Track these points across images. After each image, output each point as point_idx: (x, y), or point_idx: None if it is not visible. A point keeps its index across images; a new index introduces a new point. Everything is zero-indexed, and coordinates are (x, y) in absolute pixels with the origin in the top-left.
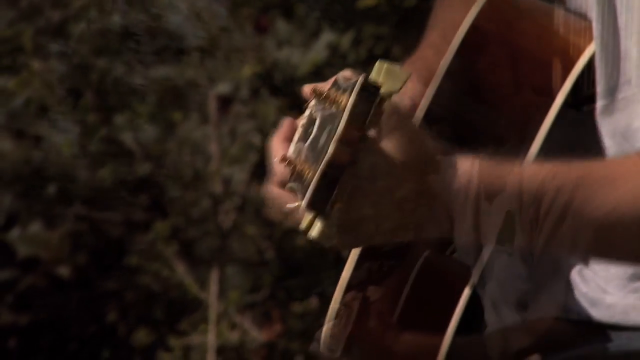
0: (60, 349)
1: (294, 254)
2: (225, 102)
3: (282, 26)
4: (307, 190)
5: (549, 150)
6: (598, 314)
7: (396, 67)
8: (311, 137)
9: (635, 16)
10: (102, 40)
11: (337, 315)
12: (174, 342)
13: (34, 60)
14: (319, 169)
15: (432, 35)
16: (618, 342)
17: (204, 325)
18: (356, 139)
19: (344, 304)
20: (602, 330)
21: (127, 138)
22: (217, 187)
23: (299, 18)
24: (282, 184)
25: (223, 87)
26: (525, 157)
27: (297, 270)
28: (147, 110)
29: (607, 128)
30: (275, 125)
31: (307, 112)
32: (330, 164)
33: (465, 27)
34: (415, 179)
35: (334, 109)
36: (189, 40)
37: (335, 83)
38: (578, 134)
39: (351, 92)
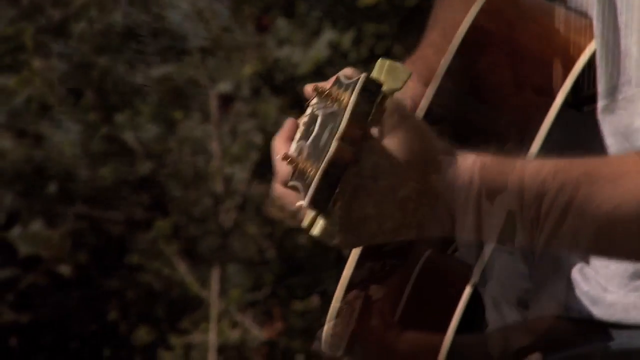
0: (61, 348)
1: (295, 252)
2: (226, 101)
3: (283, 25)
4: (309, 188)
5: (549, 150)
6: (599, 312)
7: (398, 65)
8: (313, 135)
9: (636, 15)
10: (103, 39)
11: (340, 314)
12: (174, 340)
13: (35, 59)
14: (321, 167)
15: (432, 35)
16: (619, 340)
17: (205, 324)
18: (358, 137)
19: (346, 302)
20: (603, 328)
21: (128, 137)
22: (218, 186)
23: (300, 17)
24: (285, 183)
25: (224, 86)
26: (526, 156)
27: (298, 269)
28: (148, 109)
29: (608, 128)
30: (276, 124)
31: (308, 111)
32: (332, 162)
33: (465, 27)
34: (417, 178)
35: (335, 107)
36: (190, 39)
37: (337, 81)
38: (579, 134)
39: (353, 90)
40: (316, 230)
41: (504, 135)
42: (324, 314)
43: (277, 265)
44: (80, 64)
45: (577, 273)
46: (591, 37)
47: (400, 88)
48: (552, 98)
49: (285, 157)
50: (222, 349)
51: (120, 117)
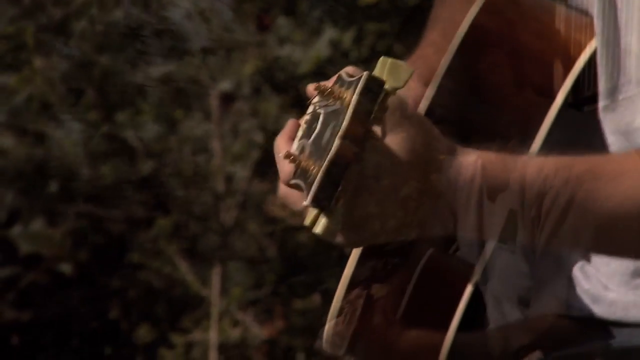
0: (63, 346)
1: (296, 251)
2: (227, 100)
3: (283, 23)
4: (311, 187)
5: (550, 149)
6: (600, 310)
7: (400, 63)
8: (315, 133)
9: (636, 13)
10: (104, 38)
11: (342, 312)
12: (175, 339)
13: (36, 58)
14: (324, 165)
15: (432, 34)
16: (620, 338)
17: (205, 322)
18: (360, 135)
19: (348, 301)
20: (604, 326)
21: (129, 136)
22: (219, 185)
23: (301, 15)
24: (287, 181)
25: (225, 85)
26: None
27: (299, 268)
28: (149, 108)
29: (609, 127)
30: (277, 122)
31: (310, 109)
32: (334, 161)
33: (465, 26)
34: (419, 177)
35: (337, 105)
36: (191, 38)
37: (338, 79)
38: (580, 133)
39: (355, 88)
40: (318, 228)
41: (505, 134)
42: (325, 313)
43: (278, 263)
44: (81, 63)
45: (578, 271)
46: (592, 36)
47: (403, 86)
48: (553, 97)
49: (288, 156)
50: (222, 348)
51: (121, 116)
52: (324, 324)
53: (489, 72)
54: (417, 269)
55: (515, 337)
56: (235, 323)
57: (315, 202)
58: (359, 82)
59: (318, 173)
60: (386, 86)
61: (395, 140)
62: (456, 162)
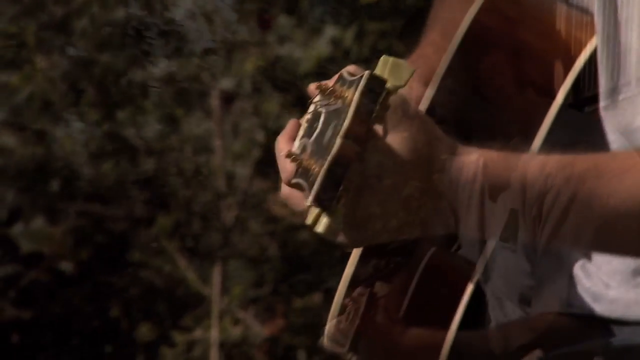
0: (63, 345)
1: (297, 249)
2: (228, 98)
3: (284, 22)
4: (313, 186)
5: (551, 149)
6: (600, 308)
7: (401, 62)
8: (316, 132)
9: (636, 10)
10: (105, 36)
11: (345, 310)
12: (176, 337)
13: (37, 56)
14: (325, 164)
15: (432, 34)
16: (620, 336)
17: (206, 321)
18: (362, 134)
19: (352, 299)
20: (605, 324)
21: (130, 134)
22: (220, 183)
23: (302, 14)
24: (288, 181)
25: (226, 84)
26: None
27: (299, 266)
28: (150, 107)
29: (610, 127)
30: (278, 121)
31: (311, 108)
32: (336, 160)
33: (465, 25)
34: (421, 177)
35: (339, 104)
36: (193, 36)
37: (340, 78)
38: (581, 133)
39: (357, 86)
40: (320, 227)
41: (506, 133)
42: (326, 311)
43: (279, 262)
44: (83, 62)
45: (579, 269)
46: (592, 34)
47: (404, 85)
48: (553, 96)
49: (289, 155)
50: (223, 346)
51: (122, 114)
52: (325, 323)
53: (489, 71)
54: (420, 267)
55: (515, 336)
56: (236, 321)
57: (317, 202)
58: (360, 81)
59: (320, 172)
60: (388, 85)
61: (396, 140)
62: (458, 161)
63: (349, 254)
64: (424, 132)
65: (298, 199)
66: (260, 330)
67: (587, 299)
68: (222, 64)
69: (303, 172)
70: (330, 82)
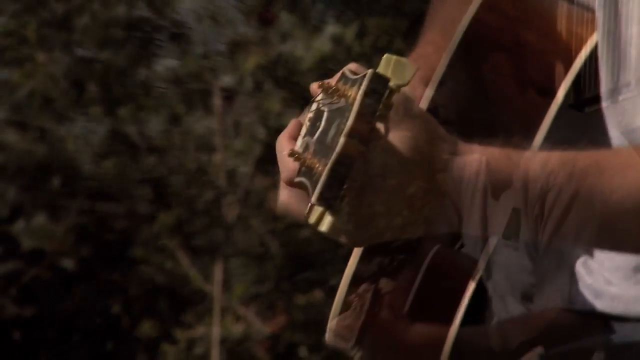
0: (65, 342)
1: (298, 246)
2: (229, 95)
3: (286, 19)
4: (317, 185)
5: (552, 147)
6: (602, 305)
7: (404, 61)
8: (319, 131)
9: (636, 6)
10: (106, 32)
11: (351, 306)
12: (178, 334)
13: (38, 53)
14: (329, 163)
15: (431, 33)
16: (621, 333)
17: (208, 318)
18: (365, 133)
19: (357, 295)
20: (606, 321)
21: (132, 131)
22: (221, 180)
23: (303, 11)
24: (290, 180)
25: (227, 81)
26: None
27: (301, 263)
28: (152, 104)
29: (611, 127)
30: (279, 118)
31: (314, 107)
32: (340, 158)
33: (465, 23)
34: (424, 176)
35: (342, 103)
36: (195, 33)
37: (342, 77)
38: (582, 132)
39: (360, 85)
40: (324, 226)
41: (506, 131)
42: (327, 308)
43: (280, 259)
44: (83, 58)
45: (581, 266)
46: (593, 29)
47: (407, 84)
48: (554, 93)
49: (292, 154)
50: (225, 343)
51: (123, 111)
52: (327, 320)
53: (490, 69)
54: (423, 265)
55: (517, 333)
56: (238, 318)
57: (321, 200)
58: (363, 79)
59: (323, 171)
60: (391, 84)
61: (399, 138)
62: (460, 160)
63: (352, 251)
64: (426, 131)
65: (297, 205)
66: (262, 328)
67: (589, 295)
68: (224, 61)
69: (306, 171)
70: (332, 81)
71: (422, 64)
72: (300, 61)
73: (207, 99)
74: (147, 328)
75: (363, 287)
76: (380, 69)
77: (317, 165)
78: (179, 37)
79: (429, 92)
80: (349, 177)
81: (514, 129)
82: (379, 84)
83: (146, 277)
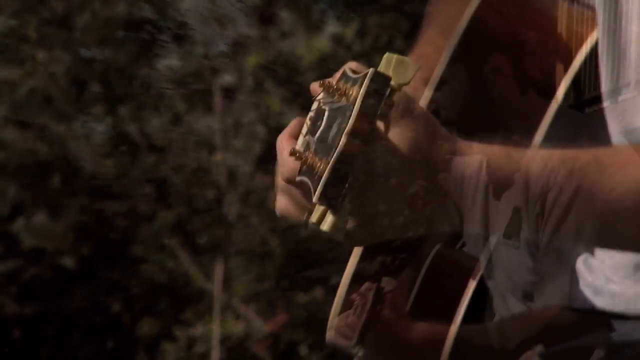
0: (65, 340)
1: (298, 244)
2: (229, 93)
3: (286, 17)
4: (318, 184)
5: (552, 146)
6: (602, 302)
7: (406, 59)
8: (320, 130)
9: (636, 4)
10: (107, 31)
11: (353, 305)
12: (178, 332)
13: (39, 51)
14: (331, 162)
15: (430, 32)
16: (622, 331)
17: (208, 316)
18: (367, 132)
19: (359, 294)
20: (606, 319)
21: (132, 129)
22: (222, 178)
23: (304, 9)
24: (291, 179)
25: (227, 79)
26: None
27: (302, 261)
28: (152, 102)
29: (610, 127)
30: (279, 116)
31: (315, 105)
32: (341, 157)
33: (465, 21)
34: (425, 175)
35: (343, 102)
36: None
37: (343, 75)
38: (582, 131)
39: (361, 84)
40: (326, 225)
41: (506, 129)
42: (328, 306)
43: (281, 257)
44: (84, 57)
45: (582, 264)
46: (594, 28)
47: (409, 82)
48: (554, 91)
49: (293, 153)
50: (225, 341)
51: (123, 110)
52: (327, 318)
53: (489, 68)
54: (425, 263)
55: (517, 331)
56: (238, 317)
57: (323, 199)
58: (364, 78)
59: (325, 170)
60: (392, 83)
61: (400, 137)
62: (461, 159)
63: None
64: (427, 131)
65: (296, 212)
66: (262, 326)
67: (589, 293)
68: (225, 60)
69: (307, 170)
70: (333, 80)
71: (423, 64)
72: (301, 60)
73: (207, 98)
74: (147, 326)
75: (365, 285)
76: (382, 68)
77: (319, 164)
78: (180, 36)
79: (428, 92)
80: (350, 176)
81: (514, 128)
82: (380, 83)
83: (146, 275)
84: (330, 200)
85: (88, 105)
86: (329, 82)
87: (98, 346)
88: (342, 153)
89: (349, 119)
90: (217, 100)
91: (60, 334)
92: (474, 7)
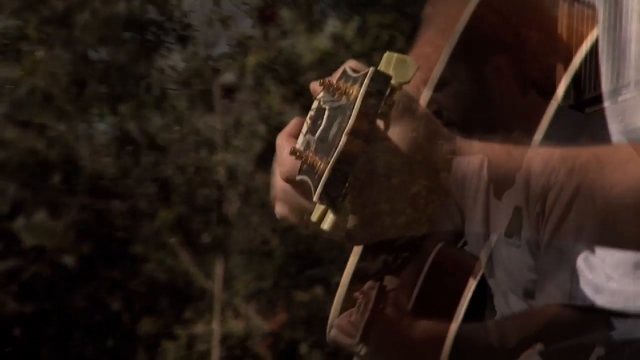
0: (65, 338)
1: (299, 243)
2: (229, 92)
3: (287, 15)
4: (319, 183)
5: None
6: (602, 300)
7: (406, 58)
8: (320, 129)
9: (636, 3)
10: (107, 29)
11: (356, 303)
12: (178, 331)
13: (39, 50)
14: (332, 160)
15: (429, 32)
16: (622, 330)
17: (208, 315)
18: (367, 131)
19: (362, 292)
20: (606, 317)
21: (132, 128)
22: (222, 177)
23: (304, 7)
24: (291, 178)
25: (228, 77)
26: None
27: (302, 260)
28: (152, 100)
29: (611, 127)
30: (279, 114)
31: (315, 105)
32: (342, 156)
33: (464, 21)
34: (426, 175)
35: (343, 101)
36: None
37: (343, 74)
38: (582, 133)
39: (362, 83)
40: (326, 225)
41: (506, 128)
42: (328, 305)
43: (281, 256)
44: (84, 56)
45: (582, 262)
46: (594, 26)
47: (409, 81)
48: (554, 90)
49: (293, 152)
50: (226, 340)
51: (124, 108)
52: (327, 317)
53: (489, 68)
54: (427, 262)
55: (517, 329)
56: (238, 315)
57: (323, 198)
58: (365, 77)
59: (326, 169)
60: (392, 81)
61: (401, 137)
62: (463, 159)
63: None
64: (428, 130)
65: (294, 215)
66: (263, 325)
67: (589, 291)
68: (225, 59)
69: (308, 169)
70: (333, 79)
71: (422, 64)
72: (301, 58)
73: (208, 96)
74: (147, 325)
75: (368, 284)
76: (382, 67)
77: (319, 164)
78: (184, 37)
79: (427, 92)
80: (351, 175)
81: (515, 128)
82: (380, 81)
83: (147, 274)
84: (330, 199)
85: (89, 105)
86: (329, 81)
87: (98, 345)
88: (342, 152)
89: (349, 118)
90: (218, 99)
91: (60, 333)
92: (472, 7)
